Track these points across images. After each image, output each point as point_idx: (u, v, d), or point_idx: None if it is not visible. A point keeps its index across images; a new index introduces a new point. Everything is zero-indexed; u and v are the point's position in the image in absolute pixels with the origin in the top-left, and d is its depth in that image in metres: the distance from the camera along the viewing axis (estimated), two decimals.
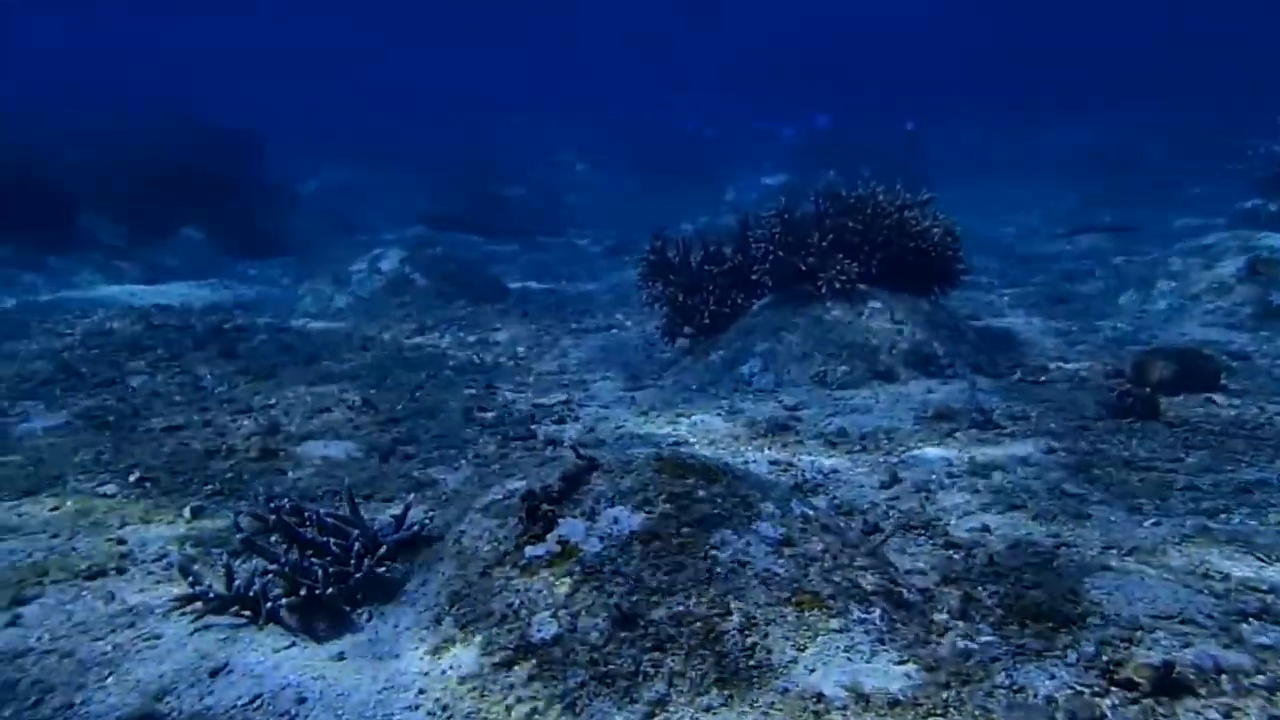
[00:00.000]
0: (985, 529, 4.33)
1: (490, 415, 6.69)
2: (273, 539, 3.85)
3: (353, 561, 3.68)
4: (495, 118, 36.36)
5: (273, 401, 7.01)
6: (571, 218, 20.62)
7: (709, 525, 3.64)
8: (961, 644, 3.26)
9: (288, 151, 23.79)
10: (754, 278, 7.77)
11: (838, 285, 7.32)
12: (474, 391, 7.34)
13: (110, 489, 5.12)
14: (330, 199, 21.77)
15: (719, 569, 3.45)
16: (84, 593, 3.83)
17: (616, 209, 21.79)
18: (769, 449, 5.78)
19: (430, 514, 4.07)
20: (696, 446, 5.83)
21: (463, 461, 5.78)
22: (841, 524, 4.25)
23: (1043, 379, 7.24)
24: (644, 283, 8.22)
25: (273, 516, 3.74)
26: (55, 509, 4.78)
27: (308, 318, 10.54)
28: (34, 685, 3.16)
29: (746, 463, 5.49)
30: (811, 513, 3.99)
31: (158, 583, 3.97)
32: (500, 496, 4.06)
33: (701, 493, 3.80)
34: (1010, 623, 3.39)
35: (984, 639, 3.29)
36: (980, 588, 3.67)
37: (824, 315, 7.42)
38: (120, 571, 4.06)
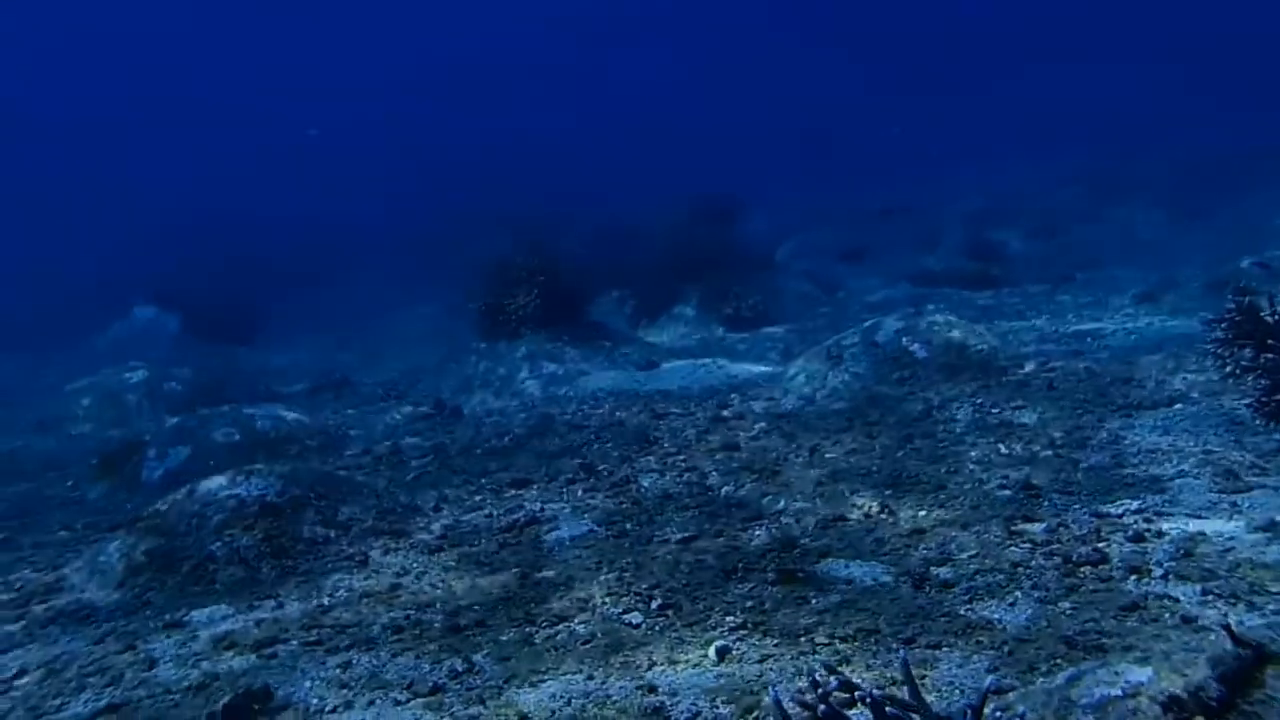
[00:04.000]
0: None
1: (1038, 528, 5.51)
2: None
3: None
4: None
5: (781, 505, 6.50)
6: (1079, 259, 18.18)
7: None
8: None
9: (760, 216, 24.55)
10: None
11: None
12: (1009, 494, 6.18)
13: (635, 617, 4.86)
14: (806, 260, 21.69)
15: None
16: None
17: (1131, 245, 18.87)
18: None
19: (1006, 701, 3.10)
20: None
21: (1018, 594, 4.70)
22: None
23: None
24: (1224, 349, 6.44)
25: (821, 706, 3.03)
26: (587, 643, 4.59)
27: (803, 400, 10.09)
28: None
29: None
30: None
31: None
32: (1119, 693, 2.97)
33: None
34: None
35: None
36: None
37: None
38: None
